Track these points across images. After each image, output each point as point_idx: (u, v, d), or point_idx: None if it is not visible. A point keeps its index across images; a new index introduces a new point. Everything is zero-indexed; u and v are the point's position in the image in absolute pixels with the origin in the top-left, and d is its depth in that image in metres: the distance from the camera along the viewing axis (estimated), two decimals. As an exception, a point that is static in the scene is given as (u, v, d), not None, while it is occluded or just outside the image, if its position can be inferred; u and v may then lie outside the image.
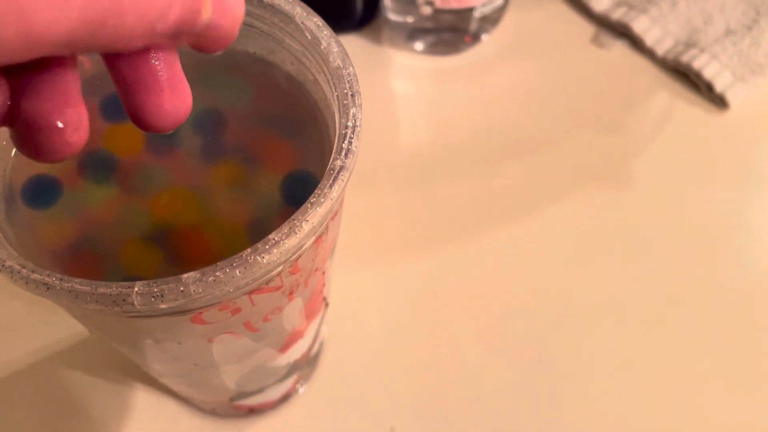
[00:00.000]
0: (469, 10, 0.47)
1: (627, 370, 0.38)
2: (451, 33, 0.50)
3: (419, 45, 0.51)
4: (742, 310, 0.40)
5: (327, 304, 0.30)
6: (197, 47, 0.16)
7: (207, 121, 0.25)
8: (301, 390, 0.36)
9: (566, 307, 0.40)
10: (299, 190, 0.22)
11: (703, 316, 0.40)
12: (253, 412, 0.35)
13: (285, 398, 0.36)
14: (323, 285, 0.26)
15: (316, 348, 0.34)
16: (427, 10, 0.47)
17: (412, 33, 0.50)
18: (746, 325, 0.40)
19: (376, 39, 0.52)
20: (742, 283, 0.41)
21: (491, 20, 0.50)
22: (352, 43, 0.51)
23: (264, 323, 0.22)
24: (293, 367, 0.31)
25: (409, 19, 0.49)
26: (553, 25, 0.53)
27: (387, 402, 0.37)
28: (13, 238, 0.21)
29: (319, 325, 0.31)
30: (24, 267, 0.18)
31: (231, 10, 0.16)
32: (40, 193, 0.23)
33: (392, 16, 0.50)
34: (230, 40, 0.16)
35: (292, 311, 0.24)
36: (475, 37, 0.51)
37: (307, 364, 0.34)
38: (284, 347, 0.27)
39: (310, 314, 0.27)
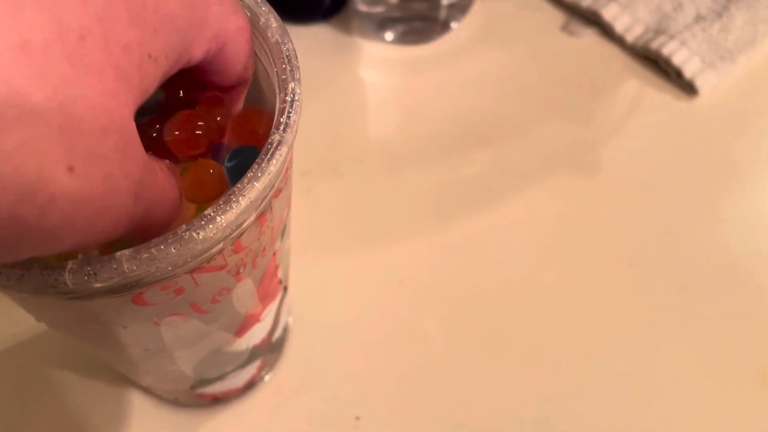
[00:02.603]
0: (438, -2, 0.47)
1: (593, 354, 0.38)
2: (421, 22, 0.50)
3: (389, 35, 0.51)
4: (711, 296, 0.40)
5: (285, 288, 0.30)
6: None
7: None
8: (267, 378, 0.36)
9: (533, 295, 0.40)
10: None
11: (671, 303, 0.40)
12: (217, 400, 0.35)
13: (249, 386, 0.35)
14: (276, 267, 0.26)
15: (278, 333, 0.33)
16: (395, -1, 0.47)
17: (383, 23, 0.50)
18: (715, 311, 0.40)
19: (346, 29, 0.51)
20: (710, 269, 0.41)
21: (460, 8, 0.50)
22: (321, 33, 0.51)
23: (212, 305, 0.22)
24: (254, 353, 0.31)
25: (379, 9, 0.49)
26: (523, 12, 0.53)
27: (353, 391, 0.37)
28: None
29: (278, 310, 0.30)
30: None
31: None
32: None
33: (362, 7, 0.50)
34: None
35: (243, 293, 0.23)
36: (445, 26, 0.51)
37: (270, 350, 0.34)
38: (239, 331, 0.27)
39: (264, 297, 0.26)
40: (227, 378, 0.32)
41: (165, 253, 0.17)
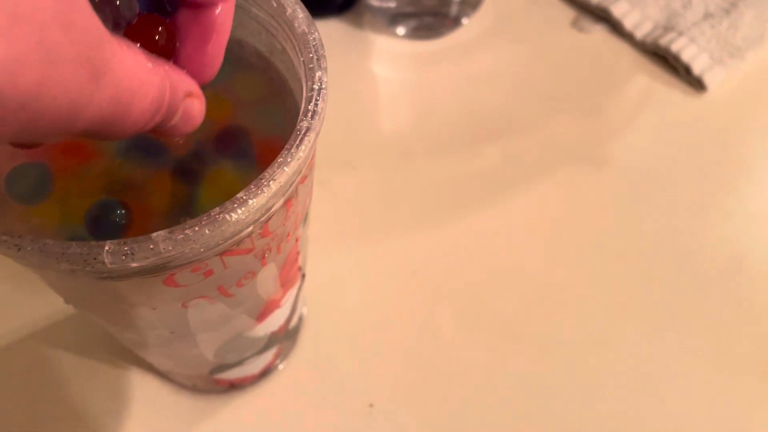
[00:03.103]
0: (450, -6, 0.48)
1: (603, 347, 0.39)
2: (433, 17, 0.51)
3: (401, 29, 0.51)
4: (718, 289, 0.41)
5: (303, 276, 0.30)
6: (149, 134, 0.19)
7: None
8: (281, 366, 0.37)
9: (542, 286, 0.40)
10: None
11: (678, 296, 0.40)
12: (233, 387, 0.36)
13: (265, 374, 0.36)
14: (297, 253, 0.26)
15: (294, 321, 0.34)
16: (407, -6, 0.48)
17: (394, 18, 0.51)
18: (721, 304, 0.40)
19: (358, 24, 0.52)
20: (718, 263, 0.42)
21: (471, 4, 0.51)
22: (334, 27, 0.52)
23: (238, 288, 0.23)
24: (272, 339, 0.31)
25: (391, 4, 0.50)
26: (533, 8, 0.53)
27: (366, 379, 0.37)
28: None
29: (296, 297, 0.31)
30: (-6, 229, 0.18)
31: (194, 120, 0.19)
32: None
33: (374, 2, 0.50)
34: (182, 136, 0.19)
35: (266, 277, 0.24)
36: (456, 21, 0.51)
37: (287, 337, 0.34)
38: (261, 316, 0.27)
39: (285, 283, 0.27)
40: (245, 364, 0.32)
41: (199, 234, 0.18)
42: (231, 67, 0.25)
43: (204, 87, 0.19)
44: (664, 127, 0.48)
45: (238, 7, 0.24)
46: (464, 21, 0.51)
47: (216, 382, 0.34)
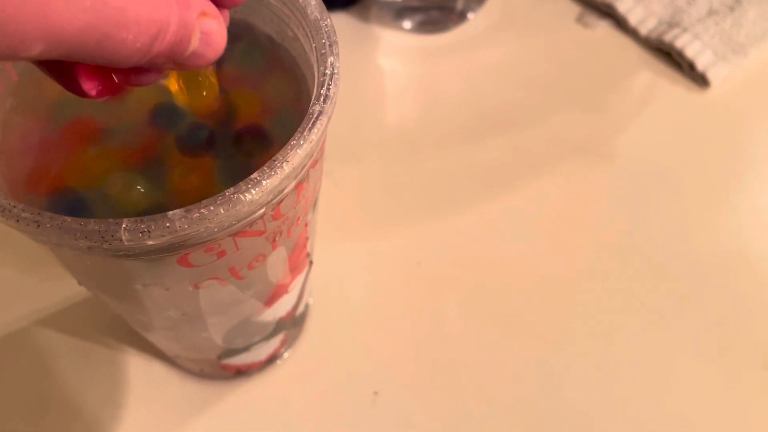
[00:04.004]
0: (456, -12, 0.48)
1: (607, 339, 0.39)
2: (439, 11, 0.51)
3: (407, 23, 0.52)
4: (722, 284, 0.41)
5: (311, 262, 0.31)
6: (175, 69, 0.18)
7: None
8: (287, 354, 0.37)
9: (547, 279, 0.41)
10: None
11: (683, 290, 0.41)
12: (240, 373, 0.36)
13: (271, 361, 0.37)
14: (306, 239, 0.27)
15: (301, 309, 0.35)
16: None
17: (400, 11, 0.51)
18: (726, 299, 0.41)
19: (364, 17, 0.52)
20: (722, 257, 0.42)
21: (478, -1, 0.51)
22: (340, 21, 0.52)
23: (249, 270, 0.23)
24: (279, 325, 0.32)
25: (397, -2, 0.50)
26: (538, 4, 0.53)
27: (371, 367, 0.38)
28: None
29: (304, 284, 0.31)
30: (15, 206, 0.19)
31: (215, 43, 0.17)
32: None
33: (380, -5, 0.51)
34: (207, 64, 0.18)
35: (276, 261, 0.25)
36: (462, 16, 0.52)
37: (293, 324, 0.35)
38: (270, 300, 0.28)
39: (294, 268, 0.27)
40: (252, 349, 0.33)
41: (215, 214, 0.18)
42: (242, 51, 0.26)
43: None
44: (668, 122, 0.48)
45: (251, -5, 0.24)
46: (470, 16, 0.52)
47: (223, 368, 0.35)
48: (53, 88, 0.18)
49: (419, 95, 0.50)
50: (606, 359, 0.38)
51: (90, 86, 0.18)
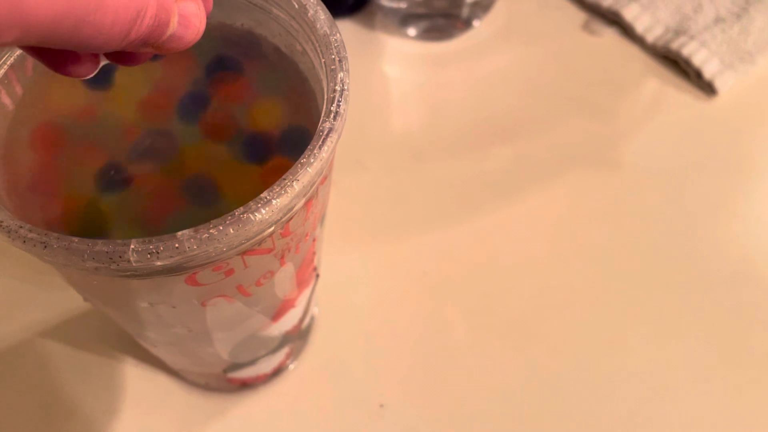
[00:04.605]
0: (462, -4, 0.48)
1: (614, 349, 0.39)
2: (444, 19, 0.51)
3: (412, 30, 0.51)
4: (728, 293, 0.41)
5: (317, 276, 0.31)
6: (155, 52, 0.18)
7: (194, 101, 0.25)
8: (292, 366, 0.37)
9: (554, 288, 0.41)
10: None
11: (689, 299, 0.41)
12: (245, 386, 0.36)
13: (276, 373, 0.36)
14: (313, 253, 0.26)
15: (307, 321, 0.34)
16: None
17: (405, 18, 0.51)
18: (731, 308, 0.40)
19: (369, 24, 0.52)
20: (727, 266, 0.42)
21: (483, 6, 0.51)
22: (345, 28, 0.52)
23: (256, 287, 0.23)
24: (285, 339, 0.31)
25: (402, 5, 0.50)
26: (544, 11, 0.53)
27: (376, 379, 0.37)
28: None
29: (310, 297, 0.31)
30: (21, 227, 0.18)
31: (193, 26, 0.17)
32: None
33: (385, 2, 0.51)
34: (186, 47, 0.18)
35: (284, 277, 0.24)
36: (467, 23, 0.51)
37: (299, 337, 0.34)
38: (276, 315, 0.27)
39: (301, 283, 0.27)
40: (258, 363, 0.32)
41: (224, 234, 0.18)
42: (250, 64, 0.25)
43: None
44: (675, 130, 0.48)
45: (259, 8, 0.24)
46: (475, 23, 0.52)
47: (228, 381, 0.34)
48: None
49: (424, 102, 0.49)
50: (614, 369, 0.38)
51: (75, 66, 0.18)
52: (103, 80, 0.25)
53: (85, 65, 0.18)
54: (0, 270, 0.40)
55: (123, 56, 0.19)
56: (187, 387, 0.36)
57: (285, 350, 0.34)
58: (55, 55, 0.18)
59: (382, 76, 0.50)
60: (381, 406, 0.37)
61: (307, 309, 0.32)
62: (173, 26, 0.17)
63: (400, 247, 0.42)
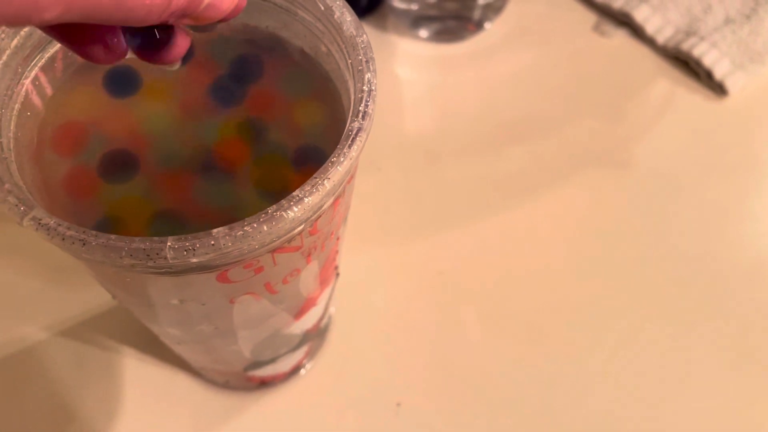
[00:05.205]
0: (474, -2, 0.48)
1: (627, 349, 0.39)
2: (455, 21, 0.51)
3: (424, 32, 0.52)
4: (740, 294, 0.41)
5: (338, 274, 0.31)
6: (193, 23, 0.18)
7: (224, 95, 0.25)
8: (309, 365, 0.37)
9: (568, 288, 0.41)
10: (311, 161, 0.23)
11: (701, 299, 0.41)
12: (264, 384, 0.36)
13: (294, 371, 0.37)
14: (336, 252, 0.27)
15: (325, 320, 0.35)
16: (432, -3, 0.48)
17: (417, 20, 0.51)
18: (744, 308, 0.41)
19: (381, 26, 0.52)
20: (740, 266, 0.42)
21: (495, 8, 0.51)
22: (358, 30, 0.52)
23: (283, 285, 0.23)
24: (305, 337, 0.32)
25: (414, 7, 0.50)
26: (555, 13, 0.54)
27: (393, 377, 0.38)
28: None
29: (330, 295, 0.31)
30: (60, 224, 0.19)
31: None
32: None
33: (397, 4, 0.51)
34: (225, 16, 0.18)
35: (308, 275, 0.25)
36: (479, 25, 0.52)
37: (317, 335, 0.35)
38: (299, 313, 0.28)
39: (323, 281, 0.27)
40: (278, 361, 0.33)
41: (258, 231, 0.18)
42: (274, 65, 0.26)
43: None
44: (686, 131, 0.48)
45: (284, 10, 0.25)
46: (487, 25, 0.52)
47: (248, 380, 0.35)
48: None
49: (436, 104, 0.50)
50: (630, 369, 0.38)
51: (99, 49, 0.18)
52: (130, 84, 0.25)
53: (113, 51, 0.18)
54: (21, 272, 0.40)
55: (154, 46, 0.19)
56: (206, 385, 0.37)
57: (304, 348, 0.34)
58: (82, 36, 0.18)
59: (395, 77, 0.51)
60: (398, 404, 0.37)
61: (327, 308, 0.33)
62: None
63: (414, 247, 0.42)
